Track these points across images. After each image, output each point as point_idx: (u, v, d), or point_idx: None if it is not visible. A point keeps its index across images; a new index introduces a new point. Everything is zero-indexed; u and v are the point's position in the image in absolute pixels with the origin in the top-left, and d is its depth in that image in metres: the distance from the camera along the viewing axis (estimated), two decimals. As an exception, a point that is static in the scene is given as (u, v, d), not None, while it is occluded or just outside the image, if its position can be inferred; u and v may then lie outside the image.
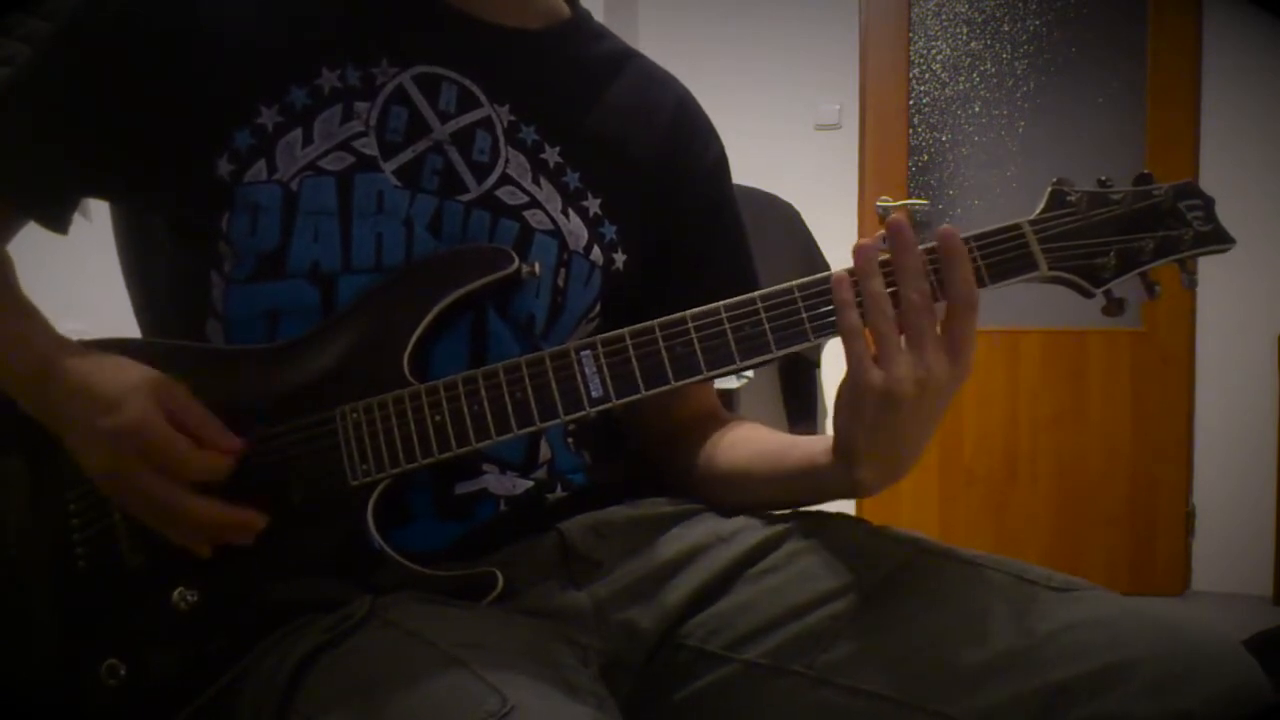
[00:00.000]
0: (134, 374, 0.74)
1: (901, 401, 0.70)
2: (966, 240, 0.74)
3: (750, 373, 2.52)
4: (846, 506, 0.87)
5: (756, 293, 0.75)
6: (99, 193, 0.86)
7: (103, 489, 0.75)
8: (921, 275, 0.71)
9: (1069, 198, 0.76)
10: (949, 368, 0.70)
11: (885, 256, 0.72)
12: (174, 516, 0.72)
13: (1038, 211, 0.76)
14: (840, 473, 0.76)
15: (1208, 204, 0.77)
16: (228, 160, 0.78)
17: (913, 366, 0.70)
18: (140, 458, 0.71)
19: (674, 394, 0.89)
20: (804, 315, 0.74)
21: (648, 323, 0.75)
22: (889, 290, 0.71)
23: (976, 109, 3.39)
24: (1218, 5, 3.19)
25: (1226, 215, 0.78)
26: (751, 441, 0.88)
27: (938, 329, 0.71)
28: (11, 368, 0.78)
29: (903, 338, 0.70)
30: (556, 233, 0.84)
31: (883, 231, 0.73)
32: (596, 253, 0.87)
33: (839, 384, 0.73)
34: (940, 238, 0.72)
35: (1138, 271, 0.76)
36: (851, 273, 0.72)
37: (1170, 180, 0.78)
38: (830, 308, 0.73)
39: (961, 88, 3.40)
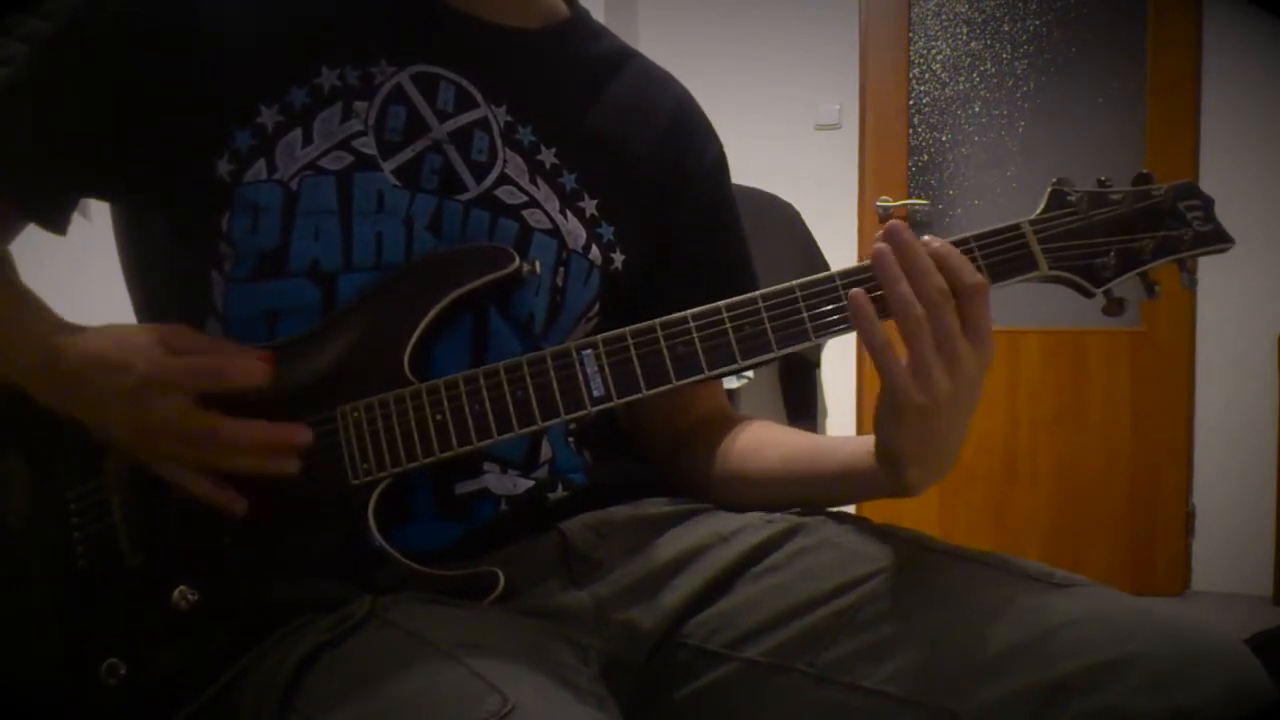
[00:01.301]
0: (136, 331, 0.75)
1: (941, 406, 0.70)
2: (967, 239, 0.74)
3: (750, 372, 2.52)
4: (847, 505, 0.87)
5: (757, 292, 0.75)
6: (98, 193, 0.86)
7: (137, 453, 0.75)
8: (934, 272, 0.71)
9: (1069, 198, 0.76)
10: (975, 356, 0.71)
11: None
12: (218, 447, 0.72)
13: (1038, 211, 0.76)
14: (887, 477, 0.76)
15: (1207, 204, 0.78)
16: (227, 160, 0.77)
17: (946, 367, 0.70)
18: (171, 397, 0.72)
19: (684, 396, 0.89)
20: (805, 315, 0.74)
21: (649, 322, 0.75)
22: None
23: (976, 109, 3.39)
24: (1218, 5, 3.18)
25: (1226, 216, 0.78)
26: (778, 444, 0.87)
27: (959, 323, 0.71)
28: (16, 356, 0.78)
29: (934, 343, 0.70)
30: (555, 232, 0.84)
31: (881, 232, 0.73)
32: (595, 252, 0.87)
33: (877, 398, 0.73)
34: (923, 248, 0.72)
35: (1137, 271, 0.77)
36: (859, 283, 0.72)
37: (1170, 180, 0.78)
38: (831, 307, 0.73)
39: (961, 88, 3.40)
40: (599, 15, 0.98)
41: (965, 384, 0.71)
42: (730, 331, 0.74)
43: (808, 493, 0.83)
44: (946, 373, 0.70)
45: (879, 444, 0.75)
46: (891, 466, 0.75)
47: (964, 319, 0.71)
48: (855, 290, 0.72)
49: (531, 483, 0.82)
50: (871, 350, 0.71)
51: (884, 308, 0.71)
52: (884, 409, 0.73)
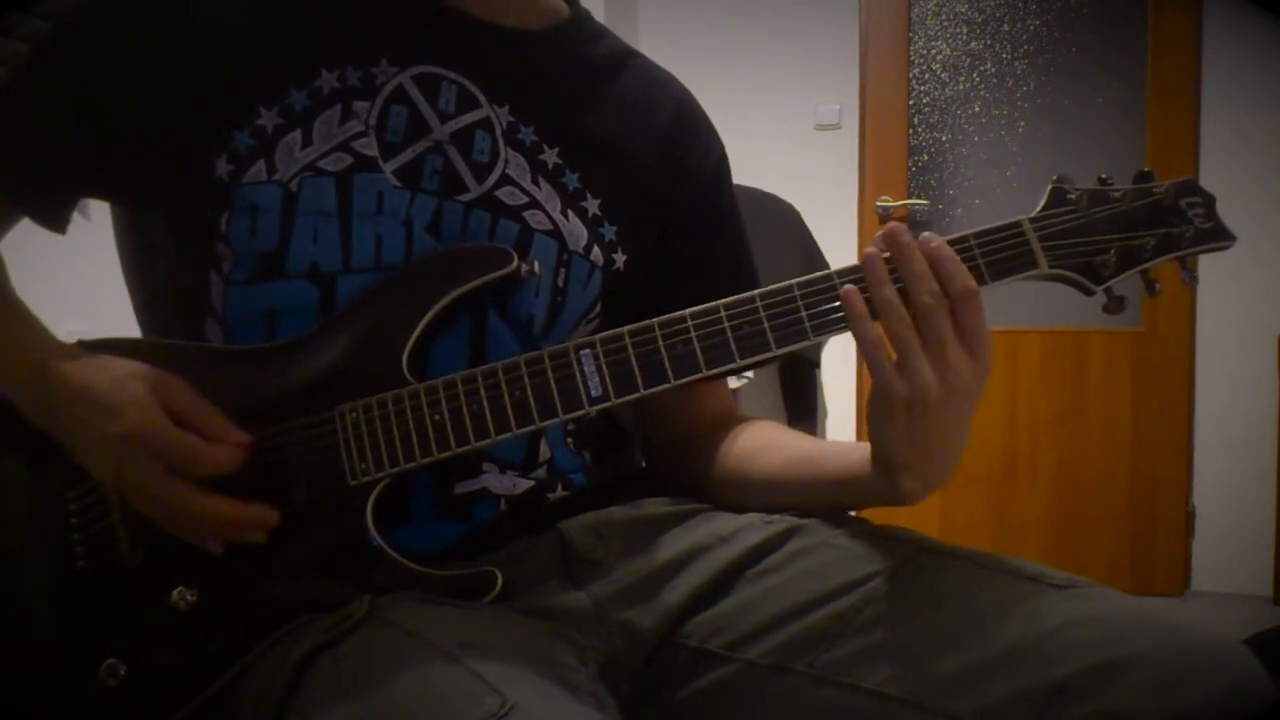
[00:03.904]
0: (133, 376, 0.74)
1: (930, 406, 0.70)
2: (967, 238, 0.74)
3: (750, 372, 2.51)
4: (846, 511, 0.86)
5: (756, 291, 0.75)
6: (98, 192, 0.86)
7: (115, 493, 0.75)
8: (928, 276, 0.70)
9: (1069, 195, 0.76)
10: (970, 363, 0.70)
11: (887, 255, 0.72)
12: (187, 517, 0.72)
13: (1038, 209, 0.76)
14: (882, 484, 0.75)
15: (1208, 201, 0.77)
16: (226, 161, 0.77)
17: (935, 368, 0.70)
18: (149, 460, 0.71)
19: (690, 398, 0.89)
20: (804, 314, 0.74)
21: (647, 321, 0.75)
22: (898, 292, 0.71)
23: (976, 109, 3.39)
24: (1218, 5, 3.18)
25: (1227, 215, 0.78)
26: (780, 447, 0.87)
27: (952, 328, 0.70)
28: (7, 370, 0.78)
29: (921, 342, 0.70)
30: (556, 233, 0.84)
31: (880, 232, 0.73)
32: (596, 253, 0.87)
33: (868, 399, 0.73)
34: (921, 247, 0.72)
35: (1138, 269, 0.76)
36: (858, 282, 0.72)
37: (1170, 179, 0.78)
38: (830, 306, 0.73)
39: (961, 88, 3.40)
40: (599, 15, 0.98)
41: (959, 389, 0.70)
42: (729, 331, 0.74)
43: (808, 496, 0.83)
44: (934, 370, 0.70)
45: (873, 449, 0.75)
46: (886, 473, 0.75)
47: (957, 324, 0.71)
48: (847, 286, 0.72)
49: (531, 483, 0.82)
50: (861, 345, 0.71)
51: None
52: (875, 408, 0.73)
